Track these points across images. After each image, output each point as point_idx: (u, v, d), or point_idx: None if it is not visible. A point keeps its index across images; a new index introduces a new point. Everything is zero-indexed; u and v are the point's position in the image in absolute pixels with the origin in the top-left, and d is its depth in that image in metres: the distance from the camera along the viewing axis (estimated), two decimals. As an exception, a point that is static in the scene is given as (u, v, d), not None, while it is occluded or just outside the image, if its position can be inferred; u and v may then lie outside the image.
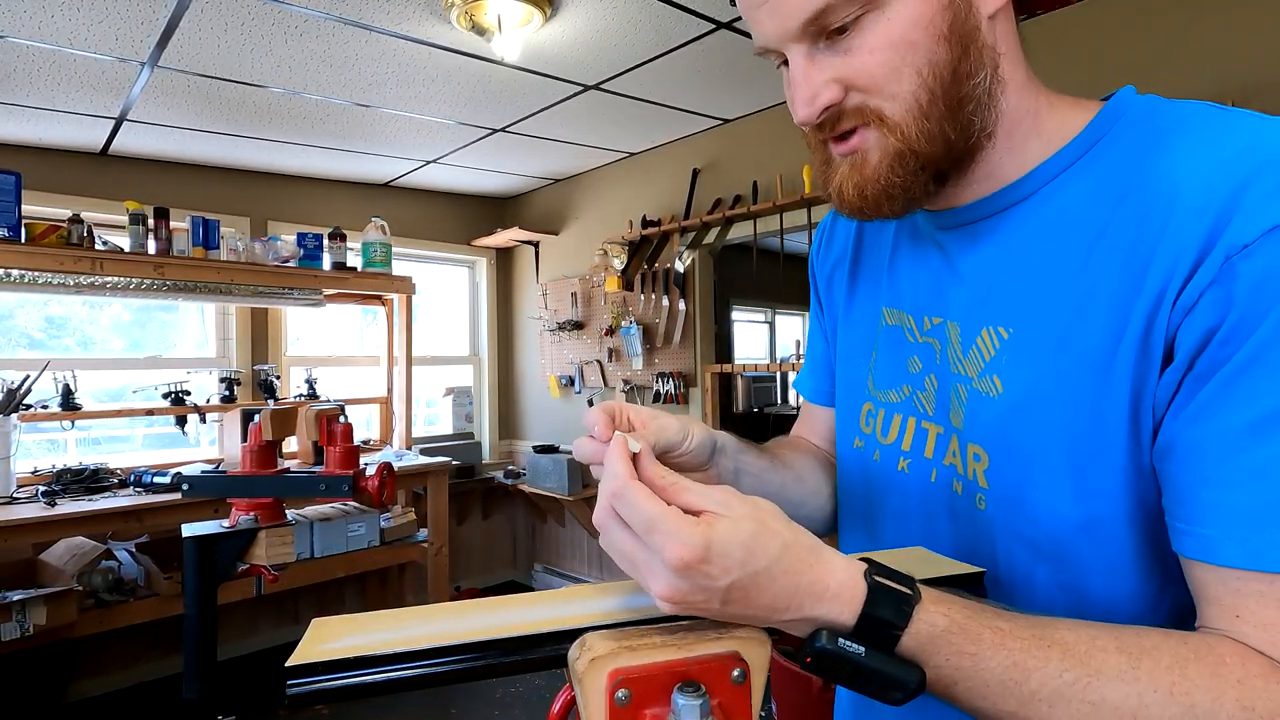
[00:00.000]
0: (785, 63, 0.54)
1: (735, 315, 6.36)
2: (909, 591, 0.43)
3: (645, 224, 3.48)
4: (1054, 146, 0.55)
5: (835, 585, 0.43)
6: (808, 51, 0.52)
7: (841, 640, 0.42)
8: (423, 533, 3.27)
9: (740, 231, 3.16)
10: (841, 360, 0.74)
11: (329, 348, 4.05)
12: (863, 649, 0.42)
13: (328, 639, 0.45)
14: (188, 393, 3.21)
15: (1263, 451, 0.43)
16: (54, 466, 2.89)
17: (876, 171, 0.53)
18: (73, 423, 3.02)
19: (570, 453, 3.93)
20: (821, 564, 0.43)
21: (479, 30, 2.16)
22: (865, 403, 0.69)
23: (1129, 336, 0.48)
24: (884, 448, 0.66)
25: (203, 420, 3.28)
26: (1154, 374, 0.48)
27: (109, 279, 2.79)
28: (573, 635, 0.44)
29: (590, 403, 3.91)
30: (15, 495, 2.66)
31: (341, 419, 1.77)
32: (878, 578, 0.43)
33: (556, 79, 2.66)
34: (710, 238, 3.24)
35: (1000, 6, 0.52)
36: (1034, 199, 0.55)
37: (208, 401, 3.33)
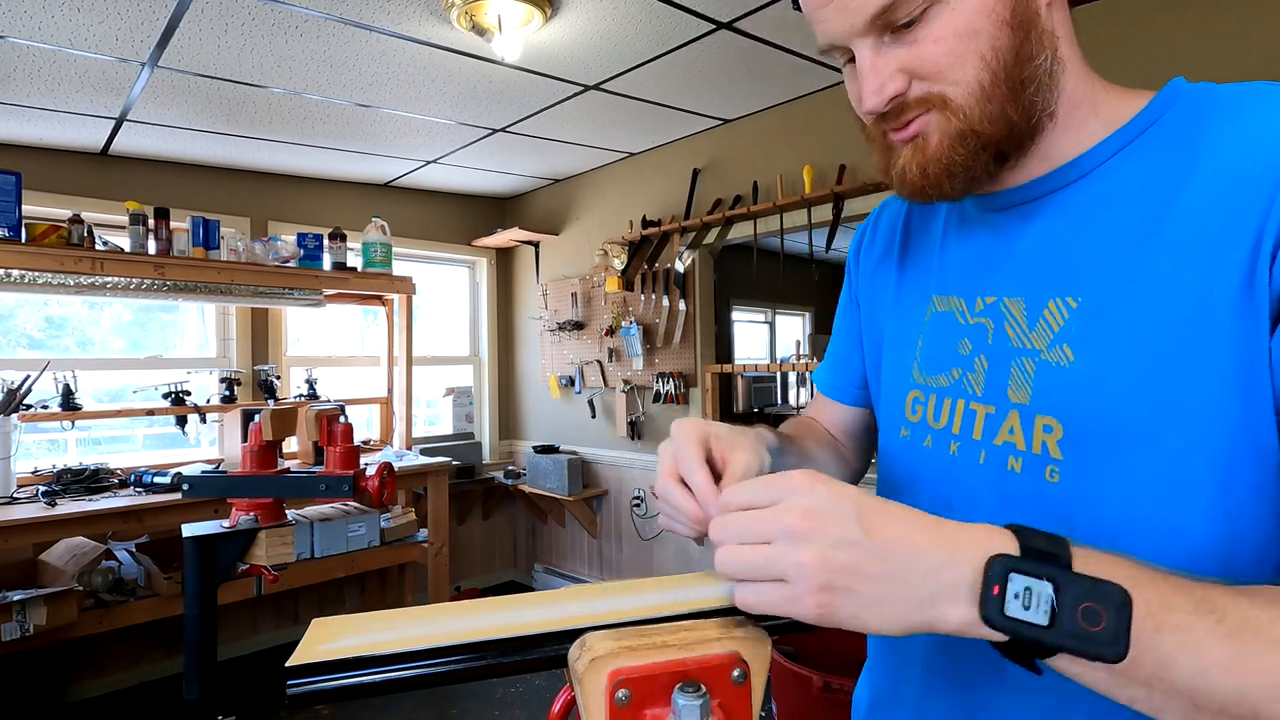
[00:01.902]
0: (849, 59, 0.57)
1: (735, 315, 6.36)
2: (1060, 537, 0.43)
3: (645, 224, 3.48)
4: (1112, 127, 0.57)
5: (972, 531, 0.44)
6: (874, 44, 0.54)
7: (1024, 565, 0.41)
8: (423, 533, 3.27)
9: (740, 232, 3.16)
10: (887, 352, 0.74)
11: (329, 348, 4.05)
12: (1055, 578, 0.41)
13: (328, 639, 0.45)
14: (188, 393, 3.21)
15: None
16: (54, 466, 2.89)
17: (938, 151, 0.56)
18: (73, 423, 3.02)
19: (571, 453, 3.93)
20: (945, 521, 0.45)
21: (479, 30, 2.16)
22: (911, 391, 0.69)
23: (1220, 295, 0.49)
24: (935, 433, 0.66)
25: (203, 420, 3.28)
26: (1262, 330, 0.48)
27: (109, 279, 2.79)
28: (573, 635, 0.44)
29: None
30: (15, 495, 2.66)
31: (342, 419, 1.77)
32: (1018, 526, 0.44)
33: (557, 79, 2.66)
34: (710, 238, 3.24)
35: None
36: (1093, 175, 0.57)
37: (208, 402, 3.33)
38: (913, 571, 0.43)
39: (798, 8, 0.59)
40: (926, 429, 0.67)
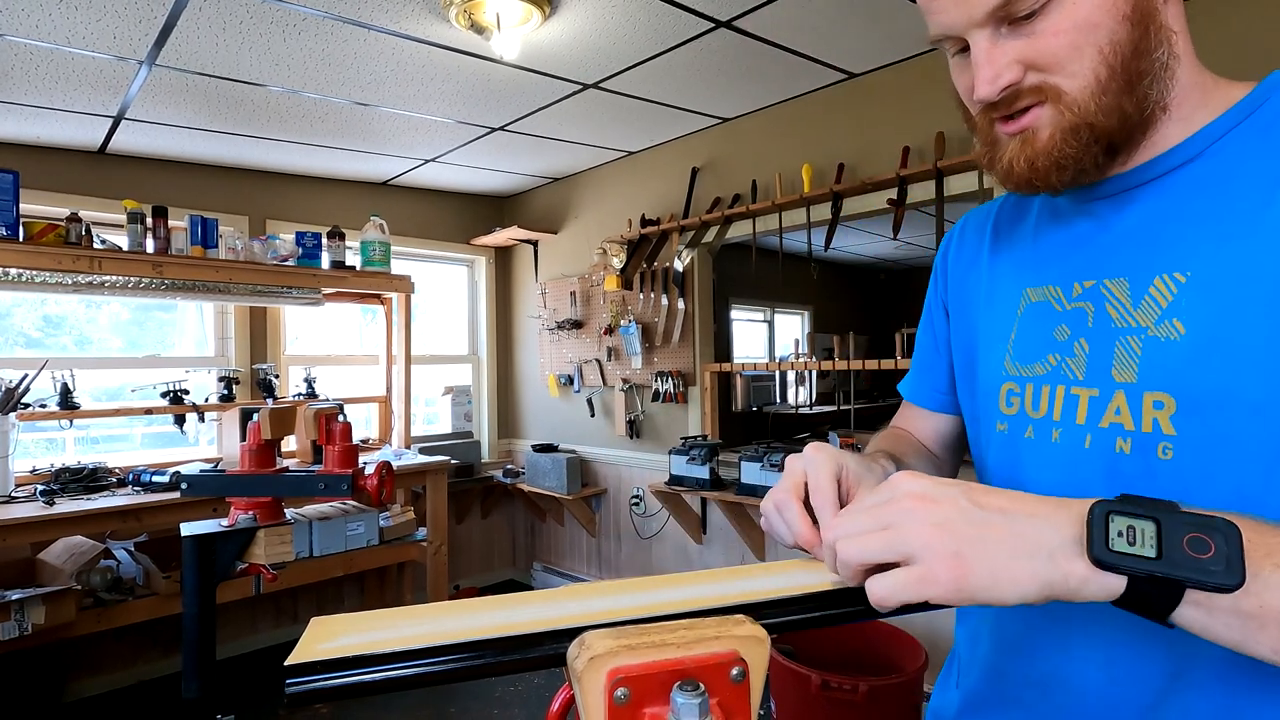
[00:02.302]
0: (961, 49, 0.59)
1: (734, 314, 6.37)
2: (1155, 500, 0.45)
3: (644, 223, 3.48)
4: (1218, 114, 0.58)
5: (1078, 499, 0.46)
6: (990, 35, 0.56)
7: (1124, 507, 0.43)
8: (422, 532, 3.27)
9: (739, 231, 3.16)
10: (981, 350, 0.74)
11: (328, 347, 4.04)
12: (1155, 515, 0.42)
13: (327, 638, 0.45)
14: (186, 392, 3.21)
15: None
16: (52, 466, 2.88)
17: (1049, 145, 0.57)
18: (71, 422, 3.01)
19: (570, 452, 3.93)
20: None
21: (478, 29, 2.16)
22: (1005, 383, 0.69)
23: None
24: (1035, 422, 0.65)
25: (201, 419, 3.28)
26: None
27: (107, 278, 2.79)
28: (572, 634, 0.44)
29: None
30: (14, 494, 2.66)
31: (340, 418, 1.77)
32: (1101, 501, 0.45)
33: (555, 78, 2.66)
34: (709, 237, 3.24)
35: None
36: (1199, 159, 0.57)
37: (206, 400, 3.32)
38: (1033, 531, 0.45)
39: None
40: (1026, 420, 0.66)
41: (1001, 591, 0.44)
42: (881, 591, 0.46)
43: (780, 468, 2.77)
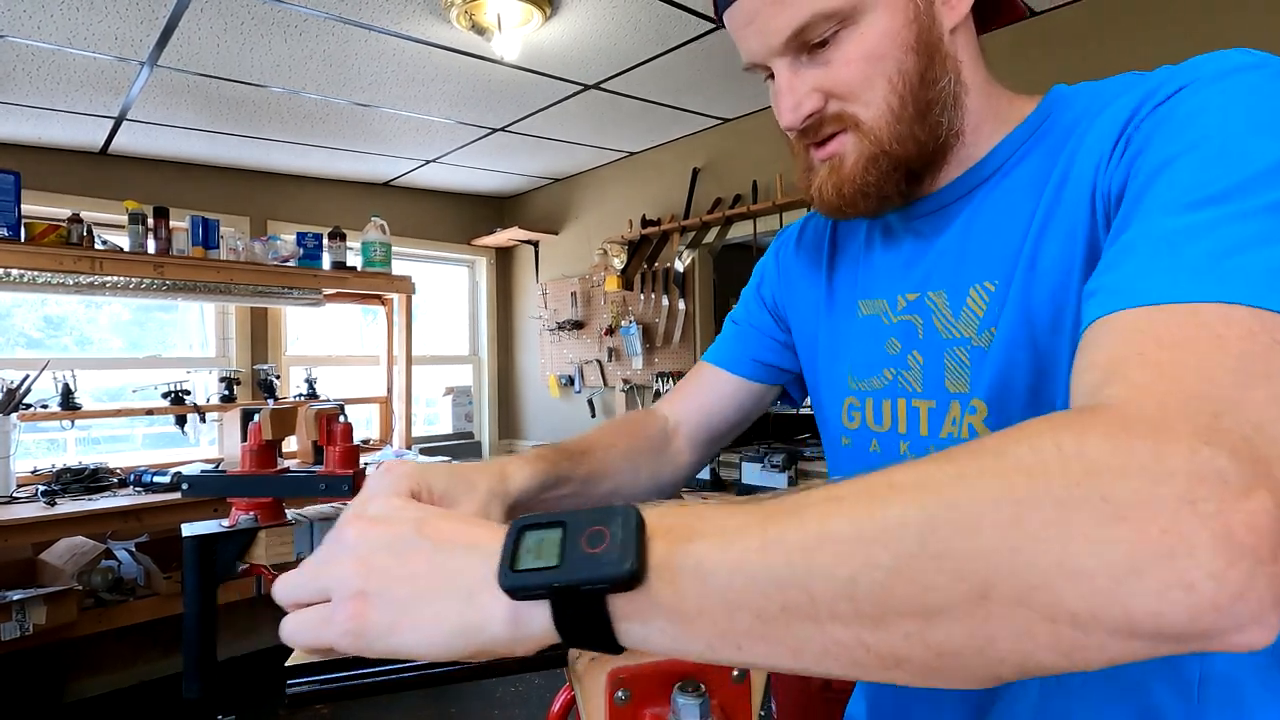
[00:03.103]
0: (771, 76, 0.60)
1: (735, 315, 6.36)
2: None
3: (645, 224, 3.48)
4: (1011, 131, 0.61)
5: (479, 530, 0.38)
6: (791, 64, 0.57)
7: (541, 519, 0.35)
8: (422, 532, 3.27)
9: (740, 231, 3.16)
10: (822, 363, 0.75)
11: (329, 347, 4.04)
12: (565, 519, 0.35)
13: (327, 638, 0.45)
14: (187, 392, 3.21)
15: (1173, 224, 0.40)
16: (54, 466, 2.88)
17: (852, 172, 0.58)
18: (72, 422, 3.02)
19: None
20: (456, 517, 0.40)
21: (479, 29, 2.16)
22: (846, 398, 0.70)
23: (1079, 243, 0.52)
24: (880, 436, 0.66)
25: (202, 420, 3.28)
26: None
27: (108, 278, 2.79)
28: (572, 635, 0.44)
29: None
30: (15, 495, 2.66)
31: (341, 418, 1.77)
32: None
33: (556, 78, 2.66)
34: (710, 237, 3.24)
35: (960, 21, 0.58)
36: (999, 173, 0.60)
37: (207, 401, 3.32)
38: (457, 565, 0.36)
39: (721, 25, 0.62)
40: (869, 433, 0.67)
41: (404, 640, 0.36)
42: (283, 632, 0.40)
43: (781, 468, 2.77)
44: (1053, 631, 0.28)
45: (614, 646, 0.34)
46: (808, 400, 0.84)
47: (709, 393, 0.82)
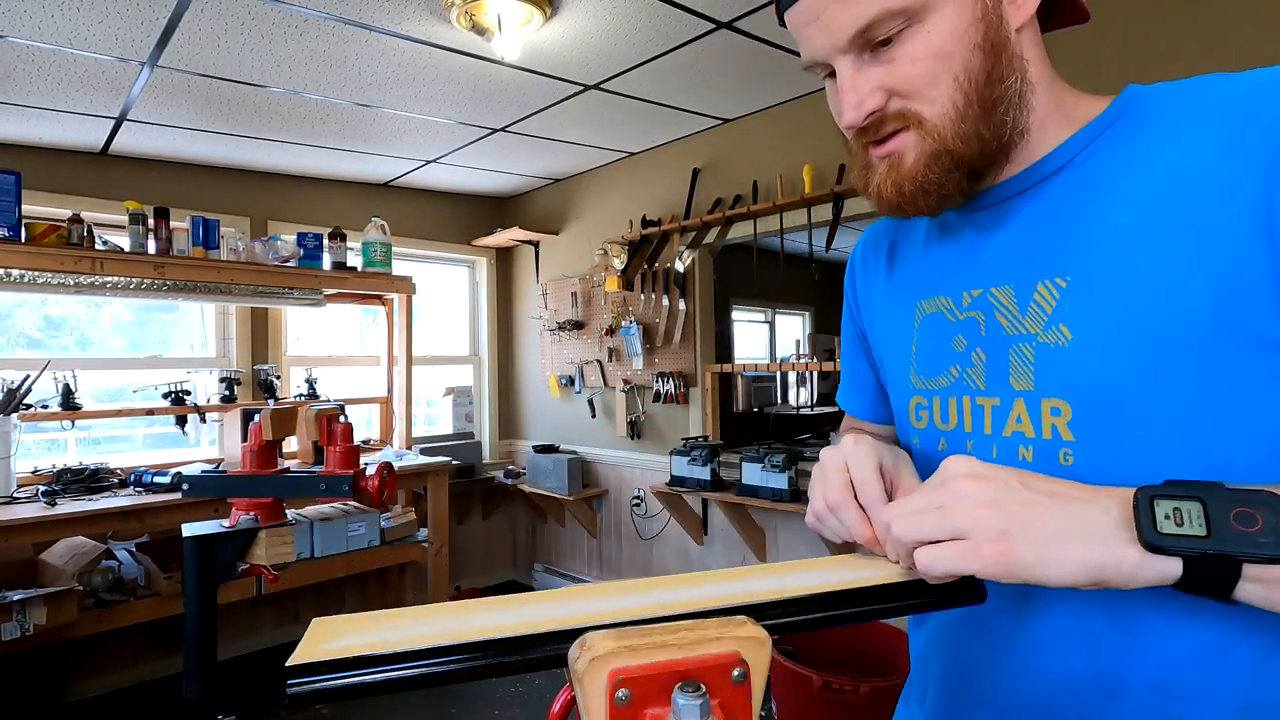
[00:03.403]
0: (831, 75, 0.60)
1: (735, 315, 6.36)
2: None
3: (645, 224, 3.48)
4: (1080, 127, 0.60)
5: (1107, 491, 0.48)
6: (854, 62, 0.57)
7: (1167, 491, 0.44)
8: (423, 532, 3.27)
9: (740, 231, 3.16)
10: (885, 364, 0.75)
11: (329, 348, 4.05)
12: (1198, 495, 0.43)
13: (328, 639, 0.45)
14: (188, 392, 3.21)
15: None
16: (54, 466, 2.89)
17: (913, 170, 0.58)
18: (73, 422, 3.02)
19: (571, 453, 3.93)
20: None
21: (479, 30, 2.16)
22: (913, 397, 0.70)
23: (1215, 241, 0.51)
24: (947, 434, 0.66)
25: (203, 420, 3.28)
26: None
27: (109, 279, 2.79)
28: (573, 635, 0.44)
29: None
30: (15, 495, 2.66)
31: (341, 419, 1.77)
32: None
33: (557, 79, 2.66)
34: (710, 237, 3.24)
35: (1026, 20, 0.57)
36: (1067, 168, 0.59)
37: (208, 401, 3.33)
38: (1083, 514, 0.46)
39: (783, 24, 0.61)
40: (937, 433, 0.67)
41: (1047, 570, 0.45)
42: (926, 559, 0.48)
43: (781, 468, 2.77)
44: None
45: (1227, 598, 0.43)
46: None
47: (879, 430, 0.84)
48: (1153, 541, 0.43)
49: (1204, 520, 0.42)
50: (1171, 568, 0.43)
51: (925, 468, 0.68)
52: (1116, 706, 0.55)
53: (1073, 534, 0.45)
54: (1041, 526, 0.45)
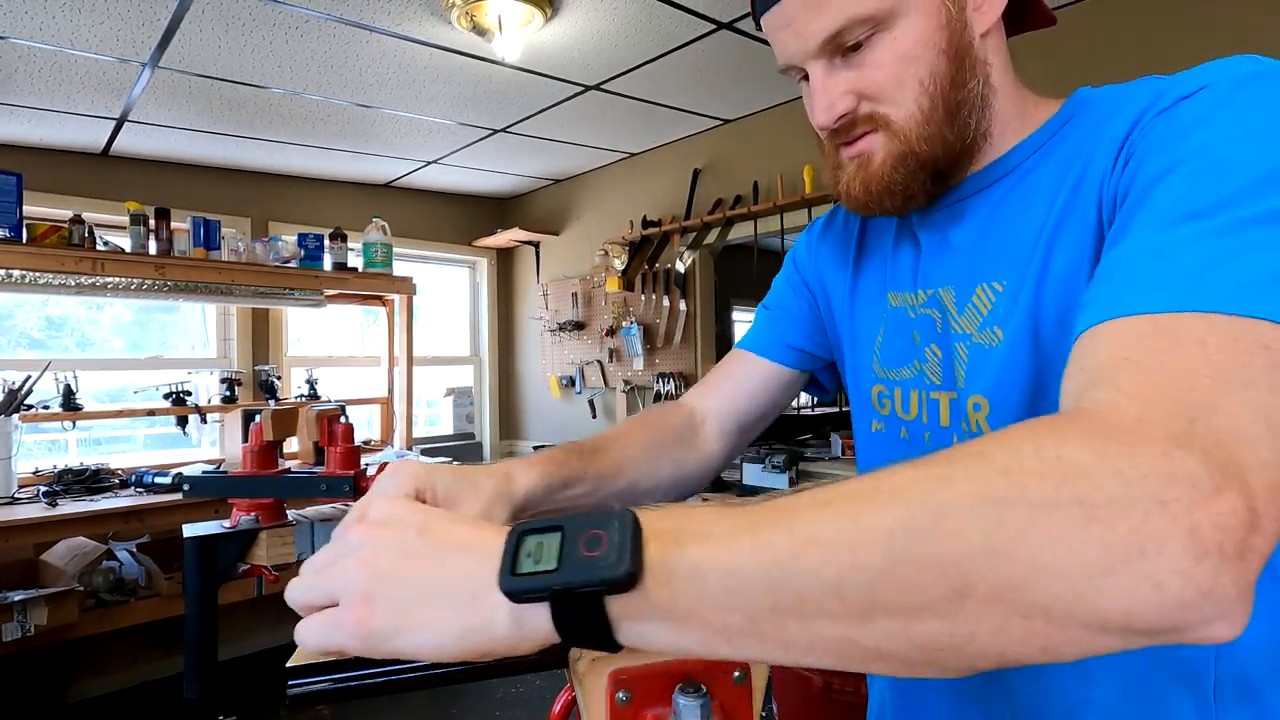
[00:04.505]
0: (805, 78, 0.62)
1: (736, 315, 6.36)
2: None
3: (646, 224, 3.48)
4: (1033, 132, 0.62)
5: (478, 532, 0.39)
6: (825, 66, 0.59)
7: (539, 524, 0.36)
8: (423, 533, 3.26)
9: (741, 231, 3.16)
10: (848, 350, 0.77)
11: (330, 348, 4.05)
12: (563, 523, 0.36)
13: (329, 639, 0.45)
14: (189, 393, 3.21)
15: (1165, 238, 0.41)
16: (55, 467, 2.89)
17: (880, 170, 0.60)
18: (74, 423, 3.02)
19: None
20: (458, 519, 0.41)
21: (479, 31, 2.16)
22: (875, 385, 0.72)
23: (1087, 248, 0.53)
24: (909, 424, 0.68)
25: (204, 421, 3.28)
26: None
27: (110, 279, 2.79)
28: (573, 635, 0.44)
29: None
30: (16, 495, 2.66)
31: (342, 419, 1.77)
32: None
33: (557, 79, 2.67)
34: (711, 238, 3.24)
35: (991, 26, 0.59)
36: (1015, 173, 0.61)
37: (209, 402, 3.33)
38: (460, 568, 0.37)
39: (759, 28, 0.63)
40: (899, 421, 0.69)
41: (410, 642, 0.37)
42: (299, 635, 0.40)
43: (782, 469, 2.77)
44: (1028, 627, 0.30)
45: (613, 645, 0.35)
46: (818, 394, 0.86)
47: (739, 381, 0.82)
48: (509, 587, 0.34)
49: (558, 551, 0.34)
50: (545, 621, 0.35)
51: (884, 454, 0.70)
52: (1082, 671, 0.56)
53: (438, 592, 0.37)
54: (406, 585, 0.37)
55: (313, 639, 0.40)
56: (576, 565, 0.34)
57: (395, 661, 0.43)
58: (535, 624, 0.35)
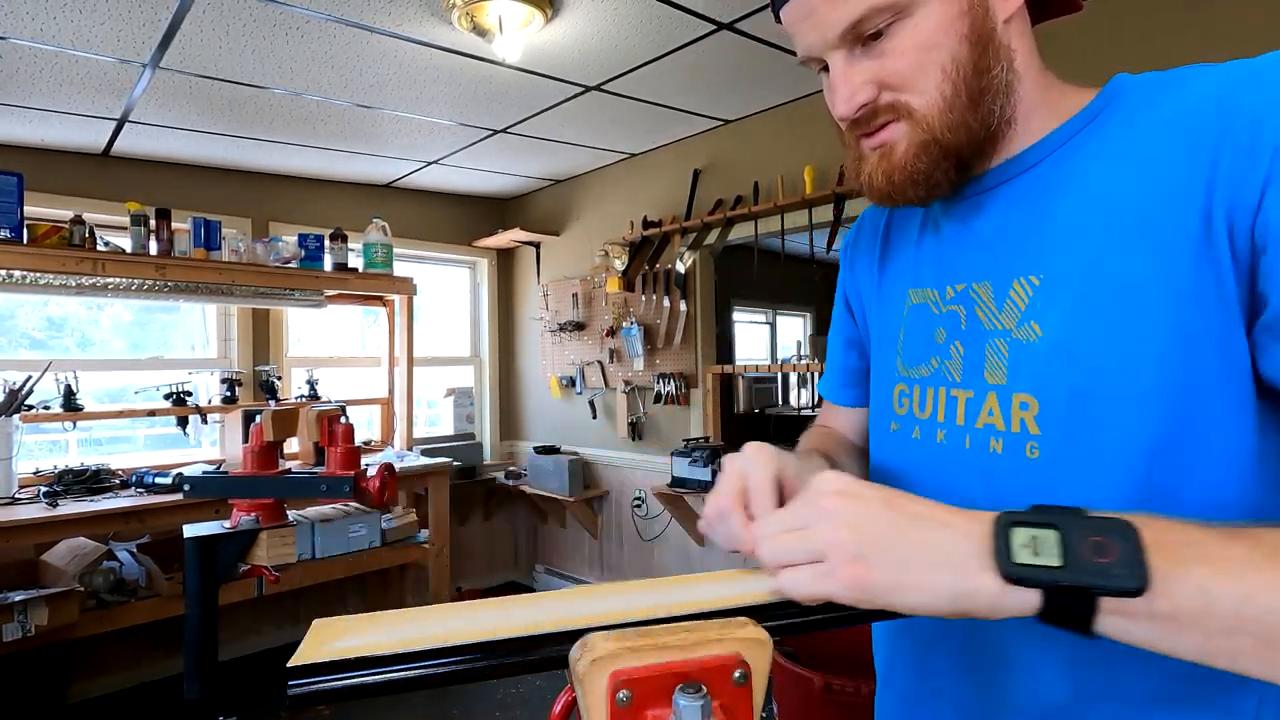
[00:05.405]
0: (825, 69, 0.61)
1: (736, 316, 6.36)
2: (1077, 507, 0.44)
3: (646, 225, 3.48)
4: (1064, 120, 0.60)
5: (988, 512, 0.46)
6: (846, 56, 0.59)
7: (1026, 518, 0.43)
8: (424, 533, 3.27)
9: (741, 232, 3.16)
10: (873, 350, 0.77)
11: (330, 348, 4.05)
12: (1057, 523, 0.42)
13: (329, 639, 0.45)
14: (189, 393, 3.21)
15: None
16: (56, 467, 2.89)
17: (903, 159, 0.59)
18: (74, 423, 3.02)
19: (572, 454, 3.93)
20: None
21: (480, 31, 2.16)
22: (897, 384, 0.71)
23: (1177, 256, 0.51)
24: (922, 423, 0.68)
25: (204, 421, 3.29)
26: (1226, 284, 0.50)
27: (111, 280, 2.79)
28: (574, 636, 0.44)
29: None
30: (17, 496, 2.67)
31: (343, 420, 1.77)
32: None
33: (557, 80, 2.67)
34: (711, 238, 3.24)
35: (1014, 11, 0.58)
36: (1046, 163, 0.60)
37: (209, 402, 3.33)
38: (943, 540, 0.44)
39: (779, 21, 0.62)
40: (914, 420, 0.68)
41: (905, 598, 0.44)
42: (786, 584, 0.47)
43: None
44: None
45: (1088, 632, 0.42)
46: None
47: (844, 423, 0.87)
48: (1009, 572, 0.42)
49: (1060, 550, 0.41)
50: (1031, 599, 0.42)
51: (899, 454, 0.70)
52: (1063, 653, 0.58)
53: (929, 559, 0.44)
54: (897, 550, 0.45)
55: (804, 587, 0.46)
56: (1086, 568, 0.40)
57: (395, 661, 0.43)
58: (1019, 602, 0.42)
